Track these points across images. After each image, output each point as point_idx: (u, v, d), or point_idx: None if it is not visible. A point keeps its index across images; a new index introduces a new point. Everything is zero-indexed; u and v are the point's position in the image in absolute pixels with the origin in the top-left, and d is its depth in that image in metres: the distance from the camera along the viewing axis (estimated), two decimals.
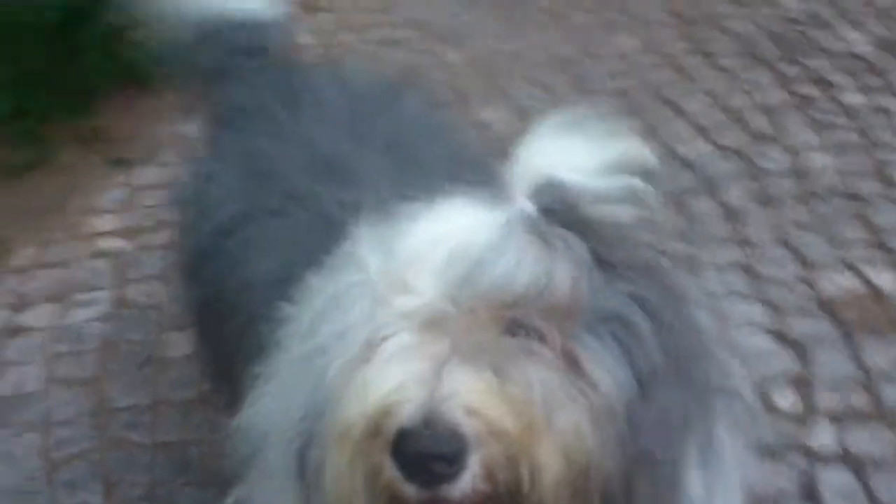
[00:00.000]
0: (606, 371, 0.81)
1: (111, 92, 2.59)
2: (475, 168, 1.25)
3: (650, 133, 2.48)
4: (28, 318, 2.10)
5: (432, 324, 0.81)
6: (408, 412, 0.76)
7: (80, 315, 2.09)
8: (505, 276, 0.80)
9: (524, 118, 2.60)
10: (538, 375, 0.79)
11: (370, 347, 0.82)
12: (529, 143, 0.89)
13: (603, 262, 0.84)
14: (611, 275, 0.84)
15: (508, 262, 0.80)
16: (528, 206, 0.85)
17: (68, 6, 2.45)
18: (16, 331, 2.07)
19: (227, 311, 1.22)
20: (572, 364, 0.81)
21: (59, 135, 2.53)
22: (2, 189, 2.39)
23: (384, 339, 0.82)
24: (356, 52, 2.99)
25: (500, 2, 3.22)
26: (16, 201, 2.37)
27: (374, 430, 0.78)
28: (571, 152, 0.88)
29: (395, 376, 0.78)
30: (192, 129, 2.60)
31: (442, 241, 0.83)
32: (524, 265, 0.80)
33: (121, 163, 2.49)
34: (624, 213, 0.87)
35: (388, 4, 3.26)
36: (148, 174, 2.46)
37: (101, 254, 2.24)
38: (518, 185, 0.87)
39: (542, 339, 0.81)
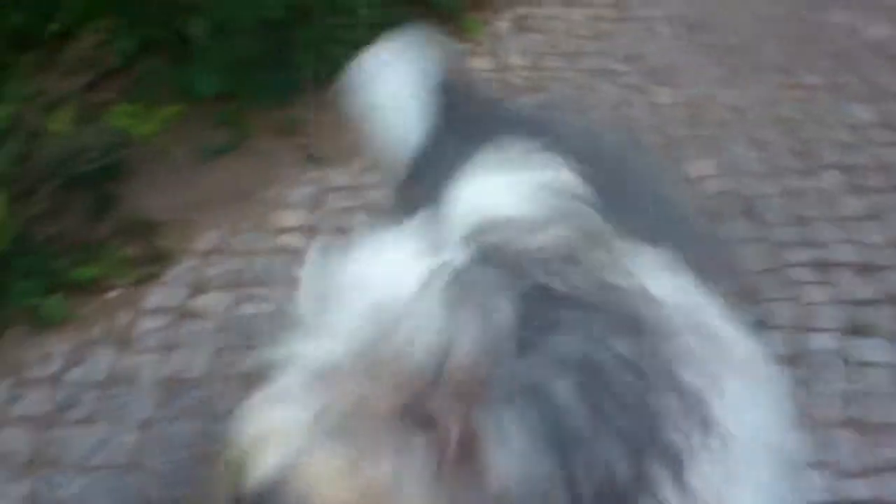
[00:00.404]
0: (512, 457, 0.71)
1: (316, 88, 2.57)
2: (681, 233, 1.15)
3: (876, 219, 2.25)
4: (202, 303, 2.09)
5: (327, 379, 0.75)
6: (248, 466, 0.75)
7: (250, 309, 2.07)
8: (403, 350, 0.72)
9: (736, 177, 2.42)
10: (406, 463, 0.72)
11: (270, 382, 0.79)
12: (462, 184, 0.80)
13: (536, 316, 0.72)
14: (544, 331, 0.72)
15: (410, 333, 0.72)
16: (457, 256, 0.75)
17: (292, 4, 2.45)
18: (189, 314, 2.07)
19: None
20: (466, 451, 0.72)
21: (259, 123, 2.53)
22: (197, 170, 2.41)
23: (280, 376, 0.78)
24: (563, 79, 2.87)
25: (723, 47, 3.02)
26: (208, 184, 2.39)
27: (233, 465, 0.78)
28: (507, 190, 0.80)
29: (264, 422, 0.76)
30: None
31: (366, 285, 0.76)
32: (424, 338, 0.72)
33: (314, 160, 2.47)
34: (564, 246, 0.76)
35: (602, 32, 3.12)
36: (340, 175, 2.43)
37: (282, 250, 2.21)
38: (449, 230, 0.78)
39: (435, 422, 0.73)
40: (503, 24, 3.17)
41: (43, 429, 1.85)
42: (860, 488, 1.67)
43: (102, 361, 1.97)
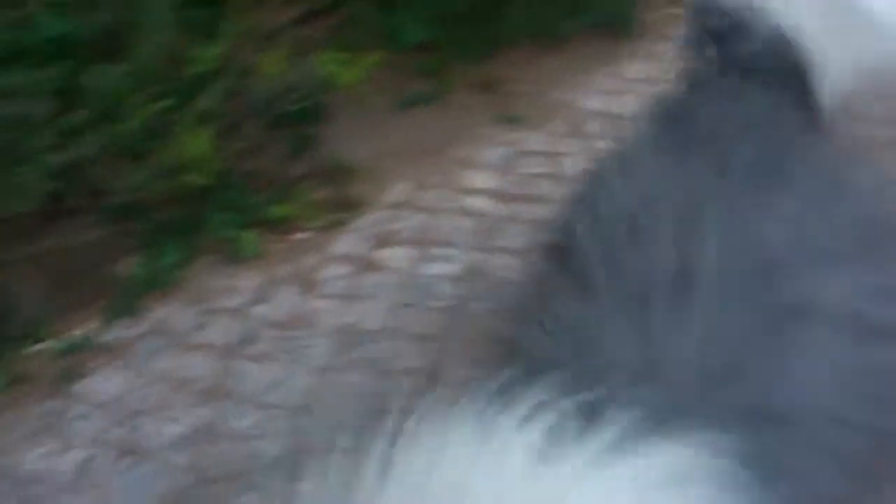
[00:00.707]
0: None
1: (516, 45, 2.50)
2: None
3: None
4: (385, 256, 2.09)
5: None
6: None
7: (432, 269, 2.06)
8: None
9: None
10: None
11: None
12: None
13: None
14: None
15: None
16: None
17: None
18: (372, 265, 2.08)
19: None
20: None
21: (459, 77, 2.49)
22: (393, 119, 2.40)
23: None
24: None
25: None
26: (402, 134, 2.37)
27: None
28: None
29: None
30: (588, 100, 2.48)
31: None
32: None
33: (509, 120, 2.41)
34: None
35: None
36: (533, 139, 2.36)
37: (468, 211, 2.18)
38: None
39: None
40: None
41: (223, 359, 1.92)
42: None
43: (285, 301, 2.02)
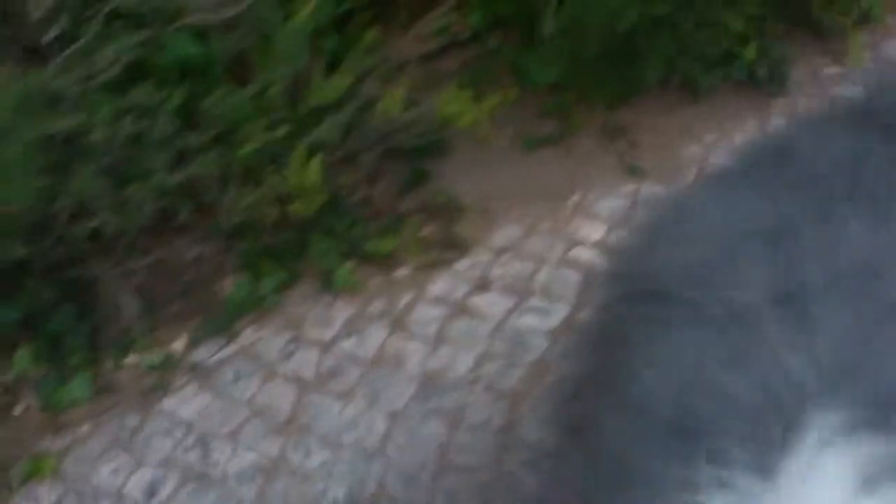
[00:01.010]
0: None
1: (650, 94, 2.37)
2: None
3: None
4: (482, 302, 2.01)
5: None
6: None
7: (528, 321, 1.96)
8: None
9: None
10: None
11: None
12: None
13: None
14: None
15: None
16: None
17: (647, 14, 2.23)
18: (466, 311, 2.00)
19: None
20: None
21: (585, 121, 2.39)
22: (511, 159, 2.32)
23: None
24: None
25: None
26: (518, 175, 2.29)
27: None
28: None
29: None
30: (721, 158, 2.32)
31: None
32: None
33: (634, 170, 2.28)
34: None
35: None
36: (657, 193, 2.22)
37: (575, 264, 2.07)
38: None
39: None
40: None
41: (305, 391, 1.90)
42: None
43: (374, 338, 1.97)
